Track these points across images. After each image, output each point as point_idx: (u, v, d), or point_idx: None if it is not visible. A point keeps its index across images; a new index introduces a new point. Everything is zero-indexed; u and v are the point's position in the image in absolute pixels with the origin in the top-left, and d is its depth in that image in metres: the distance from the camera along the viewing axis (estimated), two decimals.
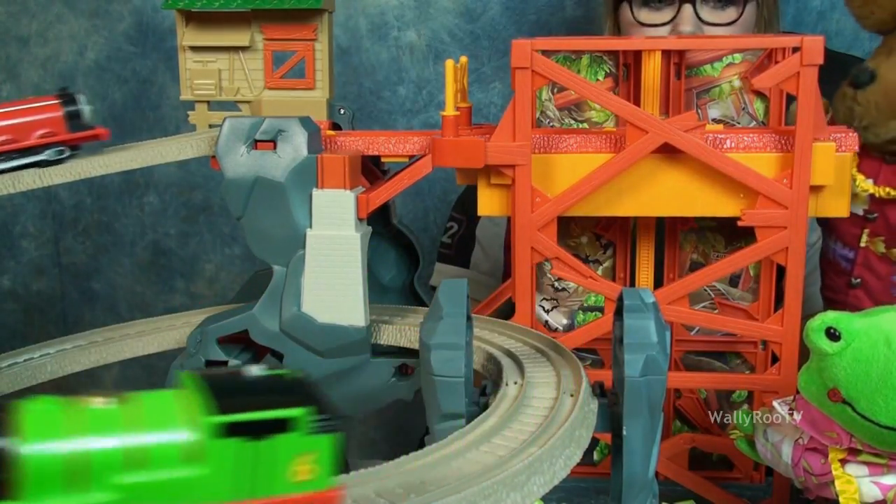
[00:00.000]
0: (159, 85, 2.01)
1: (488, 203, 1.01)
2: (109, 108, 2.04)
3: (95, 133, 1.02)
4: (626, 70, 1.08)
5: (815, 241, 1.25)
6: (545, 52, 0.97)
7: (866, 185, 1.09)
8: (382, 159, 1.04)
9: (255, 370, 0.52)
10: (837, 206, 0.98)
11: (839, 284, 1.18)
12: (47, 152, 1.00)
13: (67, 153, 1.01)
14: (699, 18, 1.27)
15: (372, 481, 0.61)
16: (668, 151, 0.97)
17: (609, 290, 1.02)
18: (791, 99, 0.98)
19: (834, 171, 0.96)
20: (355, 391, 1.02)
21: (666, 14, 1.30)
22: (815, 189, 0.97)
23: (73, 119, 1.01)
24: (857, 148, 0.97)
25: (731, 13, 1.28)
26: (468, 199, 1.41)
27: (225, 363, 1.02)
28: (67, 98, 1.02)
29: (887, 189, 1.09)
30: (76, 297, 2.15)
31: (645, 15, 1.32)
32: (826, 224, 1.19)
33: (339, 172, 0.97)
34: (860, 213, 1.13)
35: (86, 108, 1.02)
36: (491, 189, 1.01)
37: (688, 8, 1.27)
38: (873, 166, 1.10)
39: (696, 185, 0.98)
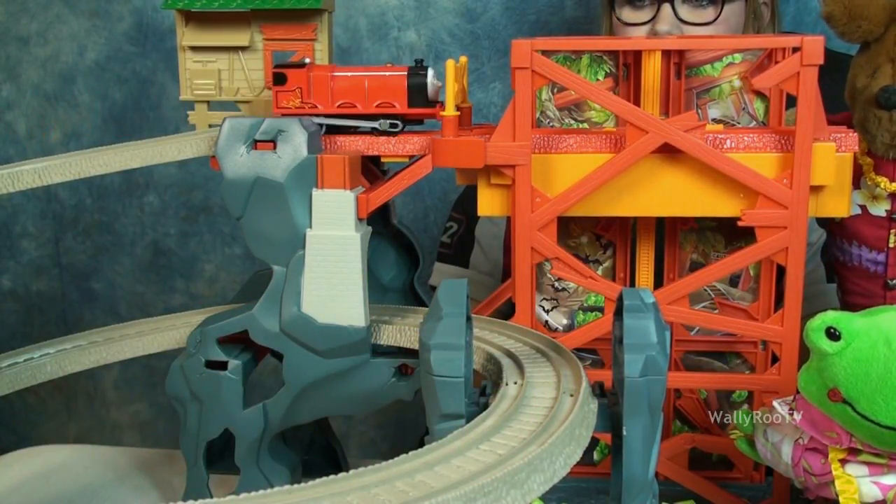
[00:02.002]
0: (159, 85, 2.01)
1: (488, 203, 1.01)
2: (109, 108, 2.04)
3: (432, 111, 0.98)
4: (626, 70, 1.09)
5: (815, 240, 1.26)
6: (545, 52, 0.97)
7: (891, 186, 1.10)
8: (382, 159, 1.04)
9: None
10: (837, 206, 0.98)
11: (873, 289, 1.17)
12: (381, 122, 0.98)
13: (400, 127, 0.98)
14: (678, 18, 1.29)
15: (372, 481, 0.61)
16: (668, 151, 0.97)
17: (609, 290, 1.02)
18: (791, 100, 0.98)
19: (834, 171, 0.96)
20: (355, 391, 1.02)
21: (646, 13, 1.32)
22: (816, 189, 0.97)
23: (416, 93, 0.98)
24: (856, 148, 0.97)
25: (709, 13, 1.30)
26: (468, 198, 1.41)
27: (225, 363, 1.02)
28: (417, 71, 0.98)
29: None
30: (76, 297, 2.15)
31: (627, 14, 1.34)
32: (845, 232, 1.18)
33: (339, 172, 0.97)
34: (883, 214, 1.13)
35: (431, 84, 0.98)
36: (491, 189, 1.01)
37: (666, 7, 1.29)
38: (888, 168, 1.11)
39: (696, 185, 0.98)
